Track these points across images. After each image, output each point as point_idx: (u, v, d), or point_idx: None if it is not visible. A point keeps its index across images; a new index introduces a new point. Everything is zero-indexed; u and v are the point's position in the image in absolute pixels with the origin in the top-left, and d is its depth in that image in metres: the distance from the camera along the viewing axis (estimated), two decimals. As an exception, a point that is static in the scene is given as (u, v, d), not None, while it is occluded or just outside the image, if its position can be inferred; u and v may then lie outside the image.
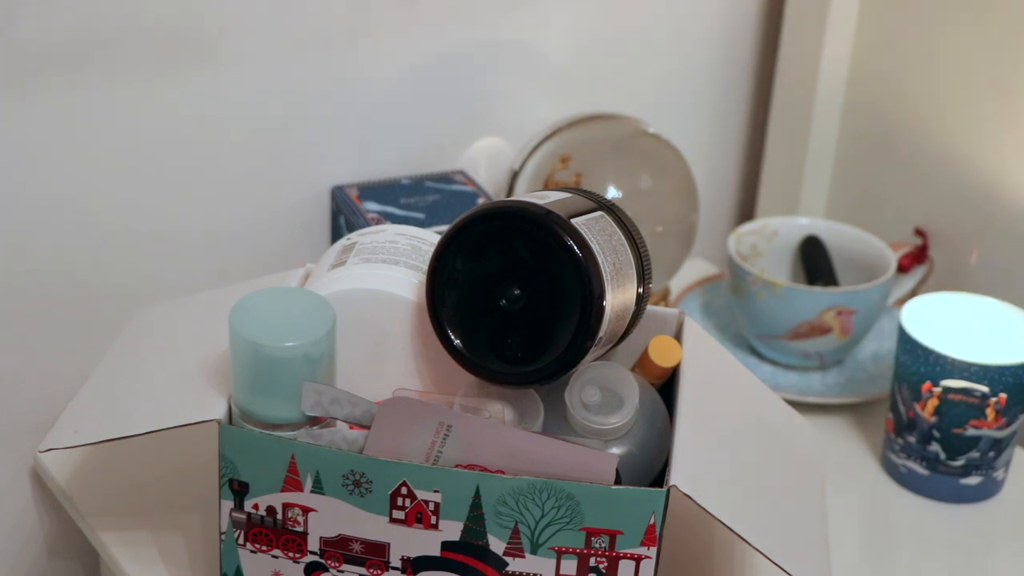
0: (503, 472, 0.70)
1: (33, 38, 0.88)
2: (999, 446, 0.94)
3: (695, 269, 1.24)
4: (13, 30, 0.87)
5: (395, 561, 0.73)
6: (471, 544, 0.72)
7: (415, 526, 0.72)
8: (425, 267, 0.76)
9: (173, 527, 0.87)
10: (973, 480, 0.95)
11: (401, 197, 1.04)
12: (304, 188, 1.05)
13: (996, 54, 1.09)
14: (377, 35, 1.04)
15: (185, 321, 0.87)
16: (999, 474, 0.96)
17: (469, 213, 0.73)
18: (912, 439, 0.95)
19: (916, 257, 1.12)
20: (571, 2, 1.15)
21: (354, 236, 0.84)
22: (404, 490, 0.71)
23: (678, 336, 0.83)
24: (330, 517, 0.73)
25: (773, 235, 1.15)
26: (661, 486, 0.70)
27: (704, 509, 0.69)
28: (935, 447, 0.94)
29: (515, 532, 0.71)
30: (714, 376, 0.82)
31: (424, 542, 0.72)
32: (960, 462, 0.95)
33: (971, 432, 0.93)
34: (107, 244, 0.97)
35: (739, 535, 0.70)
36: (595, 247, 0.72)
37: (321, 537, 0.73)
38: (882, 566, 0.92)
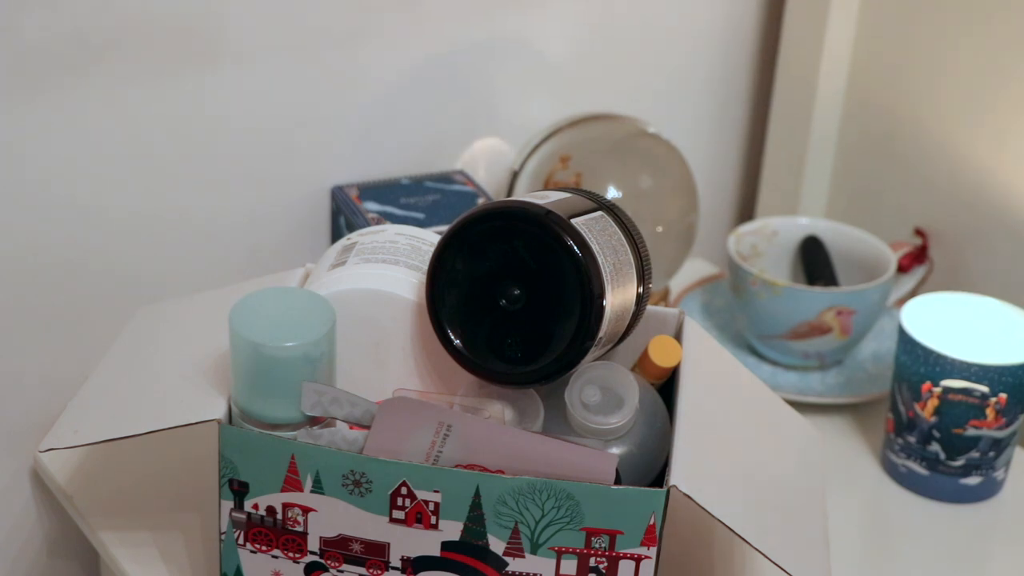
0: (503, 472, 0.70)
1: (35, 38, 0.88)
2: (999, 446, 0.94)
3: (695, 269, 1.24)
4: (16, 30, 0.87)
5: (395, 561, 0.73)
6: (471, 544, 0.72)
7: (415, 526, 0.72)
8: (425, 267, 0.76)
9: (173, 527, 0.87)
10: (973, 480, 0.95)
11: (401, 197, 1.04)
12: (304, 188, 1.05)
13: (996, 54, 1.09)
14: (377, 35, 1.04)
15: (185, 321, 0.87)
16: (999, 474, 0.96)
17: (469, 213, 0.73)
18: (912, 439, 0.95)
19: (916, 257, 1.12)
20: (571, 2, 1.15)
21: (354, 236, 0.84)
22: (404, 490, 0.71)
23: (678, 336, 0.83)
24: (330, 517, 0.73)
25: (773, 235, 1.15)
26: (661, 486, 0.70)
27: (704, 509, 0.69)
28: (935, 447, 0.94)
29: (515, 532, 0.71)
30: (714, 376, 0.82)
31: (424, 542, 0.72)
32: (960, 462, 0.95)
33: (971, 432, 0.93)
34: (107, 244, 0.97)
35: (739, 535, 0.70)
36: (595, 247, 0.72)
37: (321, 537, 0.73)
38: (882, 566, 0.92)
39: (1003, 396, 0.92)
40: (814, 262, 1.13)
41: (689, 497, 0.69)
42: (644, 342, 0.81)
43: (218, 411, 0.73)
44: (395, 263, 0.79)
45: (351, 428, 0.72)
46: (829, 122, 1.24)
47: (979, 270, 1.13)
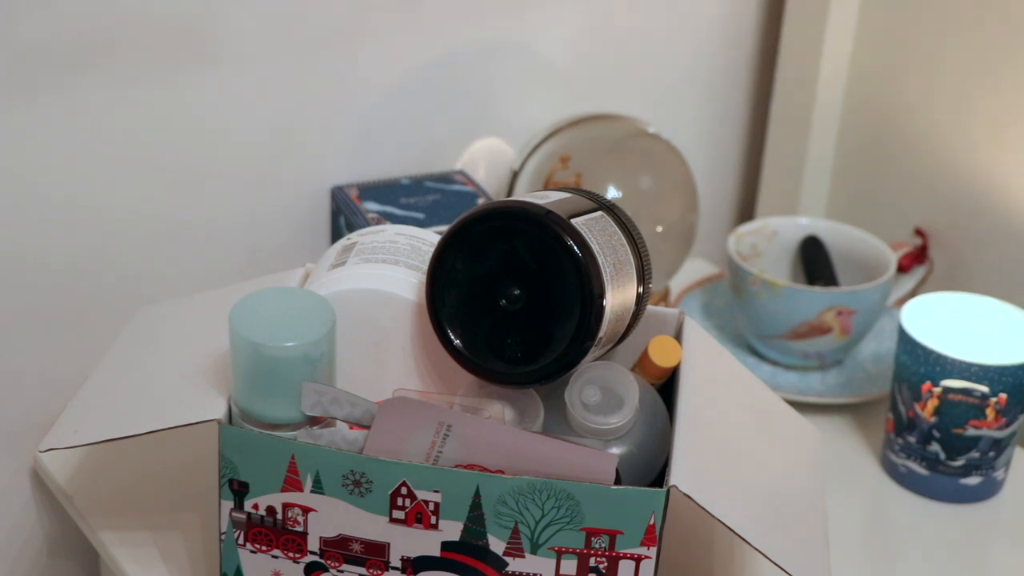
0: (503, 472, 0.70)
1: (33, 37, 0.88)
2: (999, 446, 0.94)
3: (695, 269, 1.24)
4: (15, 30, 0.87)
5: (395, 561, 0.73)
6: (471, 544, 0.72)
7: (415, 526, 0.72)
8: (425, 267, 0.76)
9: (173, 527, 0.87)
10: (973, 480, 0.95)
11: (401, 197, 1.04)
12: (304, 188, 1.05)
13: (995, 54, 1.09)
14: (377, 35, 1.04)
15: (185, 321, 0.87)
16: (999, 474, 0.96)
17: (469, 213, 0.73)
18: (912, 439, 0.95)
19: (916, 257, 1.12)
20: (571, 2, 1.15)
21: (354, 236, 0.84)
22: (404, 490, 0.71)
23: (678, 336, 0.83)
24: (330, 517, 0.73)
25: (773, 235, 1.15)
26: (661, 486, 0.70)
27: (704, 509, 0.69)
28: (935, 447, 0.94)
29: (515, 532, 0.71)
30: (714, 376, 0.82)
31: (424, 542, 0.72)
32: (960, 462, 0.95)
33: (971, 432, 0.93)
34: (107, 244, 0.97)
35: (739, 535, 0.70)
36: (595, 247, 0.72)
37: (321, 537, 0.73)
38: (882, 566, 0.92)
39: (1003, 396, 0.92)
40: (814, 262, 1.13)
41: (689, 497, 0.69)
42: (644, 342, 0.81)
43: (218, 411, 0.73)
44: (395, 263, 0.79)
45: (351, 428, 0.72)
46: (829, 122, 1.24)
47: (979, 270, 1.13)
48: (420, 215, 1.02)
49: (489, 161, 1.15)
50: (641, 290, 0.77)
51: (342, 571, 0.74)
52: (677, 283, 1.20)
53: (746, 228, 1.13)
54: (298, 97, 1.02)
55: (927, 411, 0.94)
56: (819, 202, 1.27)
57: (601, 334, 0.72)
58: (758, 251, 1.14)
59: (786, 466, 0.83)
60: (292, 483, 0.72)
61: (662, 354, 0.80)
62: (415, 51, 1.07)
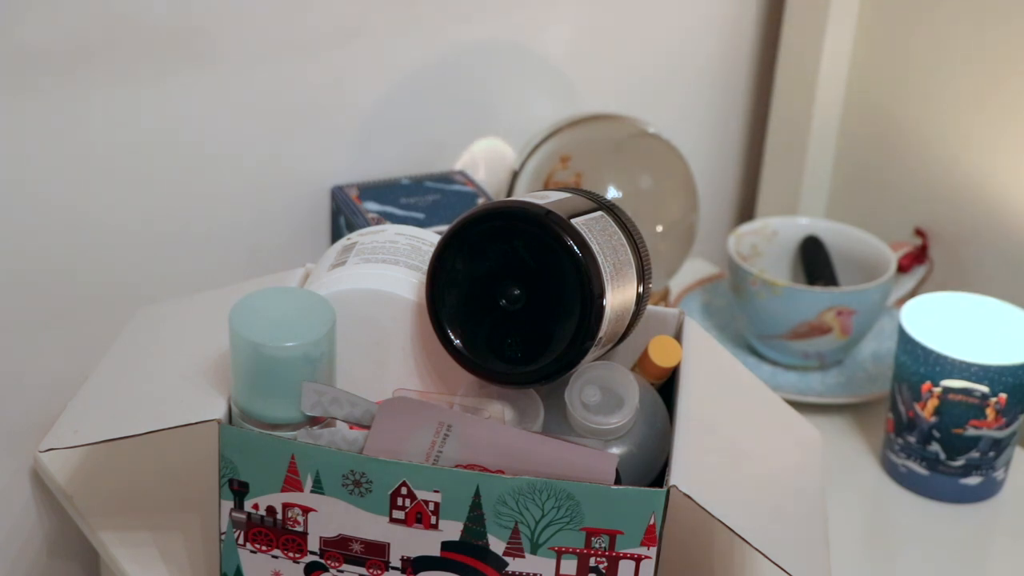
0: (503, 472, 0.70)
1: (32, 39, 0.88)
2: (999, 446, 0.94)
3: (695, 269, 1.24)
4: (13, 31, 0.87)
5: (395, 561, 0.73)
6: (471, 544, 0.72)
7: (415, 526, 0.72)
8: (425, 267, 0.76)
9: (173, 527, 0.87)
10: (973, 480, 0.95)
11: (401, 197, 1.04)
12: (304, 188, 1.05)
13: (995, 53, 1.09)
14: (377, 35, 1.04)
15: (185, 321, 0.87)
16: (999, 474, 0.96)
17: (469, 213, 0.73)
18: (912, 439, 0.95)
19: (916, 257, 1.12)
20: (571, 2, 1.15)
21: (354, 236, 0.84)
22: (404, 490, 0.71)
23: (678, 336, 0.83)
24: (330, 517, 0.73)
25: (773, 235, 1.15)
26: (661, 486, 0.70)
27: (704, 509, 0.69)
28: (935, 447, 0.94)
29: (515, 532, 0.71)
30: (714, 376, 0.82)
31: (424, 542, 0.72)
32: (960, 462, 0.95)
33: (971, 432, 0.93)
34: (107, 244, 0.97)
35: (739, 535, 0.70)
36: (595, 247, 0.72)
37: (321, 537, 0.73)
38: (882, 566, 0.92)
39: (1003, 396, 0.92)
40: (814, 262, 1.13)
41: (689, 497, 0.69)
42: (644, 342, 0.81)
43: (218, 411, 0.73)
44: (395, 263, 0.79)
45: (351, 428, 0.72)
46: (829, 122, 1.24)
47: (979, 270, 1.13)
48: (420, 215, 1.02)
49: (489, 161, 1.15)
50: (641, 290, 0.77)
51: (342, 571, 0.74)
52: (677, 283, 1.20)
53: (746, 228, 1.13)
54: (298, 97, 1.02)
55: (927, 411, 0.94)
56: (819, 202, 1.27)
57: (601, 334, 0.72)
58: (758, 251, 1.14)
59: (786, 466, 0.83)
60: (292, 483, 0.72)
61: (662, 354, 0.80)
62: (415, 51, 1.07)
